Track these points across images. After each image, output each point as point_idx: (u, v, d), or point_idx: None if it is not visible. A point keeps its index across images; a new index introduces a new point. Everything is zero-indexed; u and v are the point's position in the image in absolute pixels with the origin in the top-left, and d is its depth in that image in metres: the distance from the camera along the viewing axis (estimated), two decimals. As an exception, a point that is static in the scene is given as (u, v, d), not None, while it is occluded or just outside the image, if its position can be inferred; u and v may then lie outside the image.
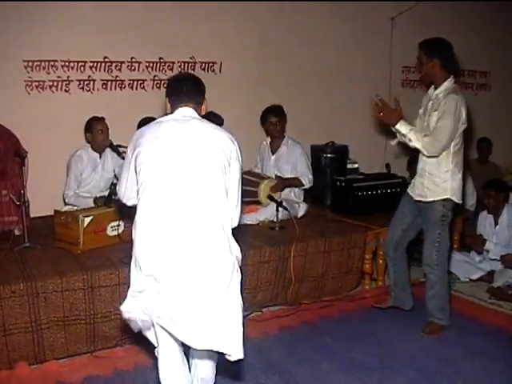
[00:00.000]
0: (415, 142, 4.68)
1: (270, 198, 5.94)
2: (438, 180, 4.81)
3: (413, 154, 5.64)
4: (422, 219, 5.01)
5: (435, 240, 4.88)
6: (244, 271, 4.94)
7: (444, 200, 4.83)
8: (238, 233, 5.69)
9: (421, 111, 5.06)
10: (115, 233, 5.20)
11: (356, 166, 7.05)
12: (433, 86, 4.93)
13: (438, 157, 4.75)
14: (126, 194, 3.41)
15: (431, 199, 4.86)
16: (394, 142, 5.10)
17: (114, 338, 4.60)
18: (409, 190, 5.13)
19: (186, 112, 3.36)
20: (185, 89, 3.41)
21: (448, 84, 4.79)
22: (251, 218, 6.00)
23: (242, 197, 3.43)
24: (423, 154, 4.81)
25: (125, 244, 5.06)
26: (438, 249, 4.89)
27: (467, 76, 9.56)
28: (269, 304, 5.36)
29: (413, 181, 5.09)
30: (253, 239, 5.42)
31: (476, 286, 6.18)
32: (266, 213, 6.02)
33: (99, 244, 5.07)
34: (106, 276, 4.50)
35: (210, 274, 3.09)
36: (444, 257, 4.96)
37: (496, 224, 6.37)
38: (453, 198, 4.84)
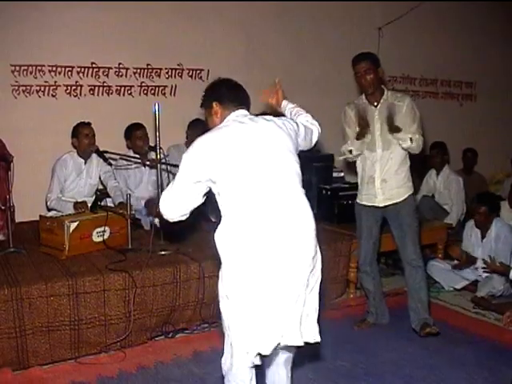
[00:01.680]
0: (415, 143, 4.81)
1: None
2: (404, 178, 4.97)
3: None
4: (397, 219, 5.00)
5: (416, 232, 5.00)
6: (211, 281, 5.00)
7: (413, 194, 5.07)
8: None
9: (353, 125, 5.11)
10: (101, 239, 5.19)
11: (342, 174, 7.06)
12: (363, 98, 5.06)
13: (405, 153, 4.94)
14: (178, 210, 3.28)
15: (403, 197, 4.94)
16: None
17: (98, 344, 4.58)
18: (367, 202, 5.09)
19: (245, 112, 3.39)
20: (241, 94, 3.46)
21: (391, 92, 5.05)
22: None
23: None
24: (412, 153, 4.91)
25: (110, 250, 5.11)
26: (416, 241, 5.01)
27: (453, 86, 9.66)
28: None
29: (368, 190, 5.06)
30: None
31: (460, 296, 6.20)
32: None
33: (85, 250, 5.06)
34: (91, 282, 4.48)
35: (311, 268, 3.13)
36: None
37: (483, 237, 6.34)
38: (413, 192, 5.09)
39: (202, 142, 3.18)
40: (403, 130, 4.76)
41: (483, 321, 5.57)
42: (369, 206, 5.08)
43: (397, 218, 5.02)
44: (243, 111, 3.38)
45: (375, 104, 4.93)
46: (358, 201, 5.20)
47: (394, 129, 4.76)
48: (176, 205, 3.26)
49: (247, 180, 3.08)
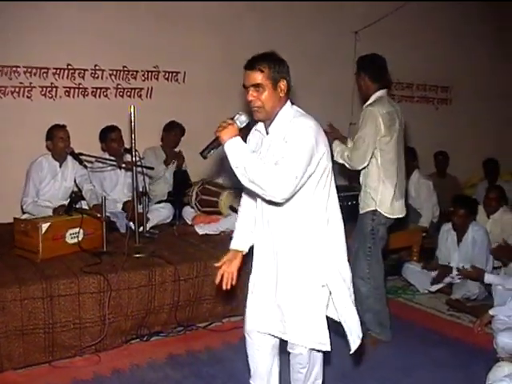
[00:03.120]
0: (339, 159, 4.83)
1: (231, 208, 5.96)
2: (369, 191, 4.84)
3: None
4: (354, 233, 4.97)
5: (366, 253, 4.87)
6: (205, 281, 5.00)
7: (372, 212, 4.82)
8: (200, 243, 5.74)
9: None
10: (75, 240, 5.14)
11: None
12: None
13: (365, 169, 4.83)
14: (298, 186, 3.06)
15: (363, 211, 4.89)
16: None
17: (73, 347, 4.55)
18: None
19: None
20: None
21: (373, 97, 4.87)
22: (212, 228, 6.03)
23: None
24: (350, 167, 4.85)
25: (85, 253, 5.08)
26: (369, 263, 4.87)
27: (429, 90, 9.74)
28: (229, 314, 5.35)
29: None
30: (214, 249, 5.43)
31: (435, 298, 6.25)
32: (228, 223, 6.01)
33: (59, 252, 5.01)
34: (66, 285, 4.45)
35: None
36: (377, 271, 4.92)
37: (459, 241, 6.35)
38: (380, 210, 4.80)
39: (316, 130, 3.14)
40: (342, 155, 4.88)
41: (458, 323, 5.63)
42: None
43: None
44: None
45: None
46: None
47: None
48: (299, 182, 3.08)
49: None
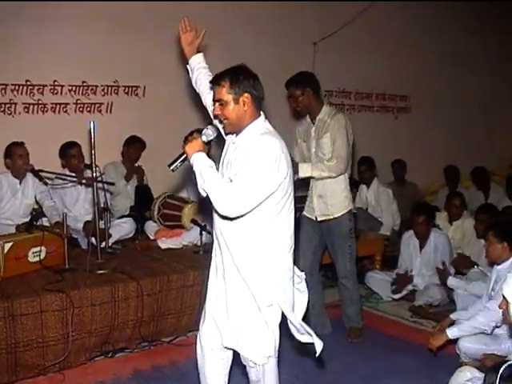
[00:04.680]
0: (322, 174, 4.92)
1: (194, 221, 5.97)
2: (340, 196, 5.08)
3: None
4: (329, 237, 5.19)
5: (347, 252, 5.16)
6: (168, 295, 4.99)
7: (349, 212, 5.12)
8: (163, 257, 5.73)
9: (300, 140, 5.24)
10: (37, 259, 5.10)
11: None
12: (308, 116, 5.16)
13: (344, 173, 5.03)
14: (249, 206, 3.09)
15: (338, 215, 5.08)
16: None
17: (36, 366, 4.50)
18: (307, 214, 5.28)
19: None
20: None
21: (327, 108, 5.10)
22: (175, 242, 6.04)
23: None
24: (331, 177, 4.97)
25: (47, 270, 5.04)
26: (350, 260, 5.19)
27: (388, 100, 9.83)
28: (194, 328, 5.34)
29: (309, 203, 5.24)
30: (177, 263, 5.43)
31: (398, 305, 6.29)
32: (190, 237, 6.04)
33: (21, 270, 4.96)
34: (28, 304, 4.41)
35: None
36: (354, 265, 5.29)
37: (422, 247, 6.42)
38: (352, 208, 5.17)
39: (278, 149, 3.14)
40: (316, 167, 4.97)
41: (421, 329, 5.66)
42: (309, 218, 5.24)
43: (329, 235, 5.20)
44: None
45: (313, 121, 5.12)
46: (303, 212, 5.32)
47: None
48: (254, 201, 3.10)
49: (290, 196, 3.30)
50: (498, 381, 2.64)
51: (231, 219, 3.17)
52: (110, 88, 7.08)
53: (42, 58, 6.57)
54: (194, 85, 3.95)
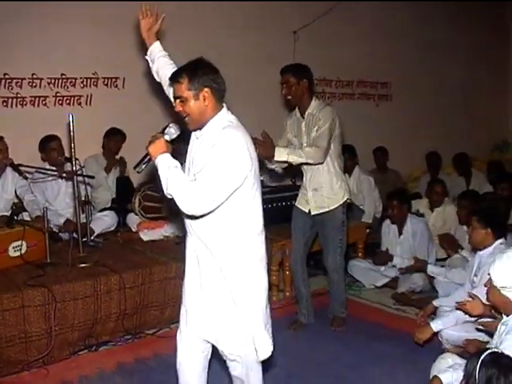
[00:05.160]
0: (299, 160, 4.84)
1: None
2: (335, 187, 5.11)
3: None
4: (322, 229, 5.22)
5: (338, 246, 5.20)
6: (151, 288, 4.99)
7: (343, 205, 5.16)
8: (145, 249, 5.72)
9: (290, 135, 5.24)
10: (18, 253, 5.07)
11: (261, 178, 7.08)
12: (297, 109, 5.16)
13: (322, 163, 4.99)
14: (215, 204, 3.08)
15: (334, 206, 5.11)
16: (272, 166, 5.09)
17: (19, 362, 4.49)
18: (300, 206, 5.29)
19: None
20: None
21: (316, 102, 5.10)
22: (157, 234, 6.03)
23: None
24: (310, 164, 4.97)
25: (28, 265, 5.01)
26: (340, 253, 5.24)
27: (369, 87, 9.83)
28: (177, 320, 5.31)
29: (302, 196, 5.27)
30: (159, 255, 5.44)
31: (381, 293, 6.32)
32: (172, 228, 6.02)
33: (1, 266, 4.93)
34: (10, 299, 4.39)
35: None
36: (343, 258, 5.34)
37: (400, 234, 6.47)
38: (348, 197, 5.21)
39: (242, 142, 3.13)
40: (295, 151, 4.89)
41: (404, 316, 5.71)
42: (302, 210, 5.27)
43: (322, 227, 5.22)
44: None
45: (302, 115, 5.12)
46: (295, 203, 5.37)
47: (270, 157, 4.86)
48: (217, 198, 3.08)
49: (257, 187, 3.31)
50: (478, 367, 2.65)
51: (198, 217, 3.17)
52: (89, 80, 7.03)
53: (19, 51, 6.51)
54: (154, 74, 3.93)
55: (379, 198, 7.63)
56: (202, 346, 3.50)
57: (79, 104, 6.97)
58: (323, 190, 5.10)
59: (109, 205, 6.70)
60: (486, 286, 3.44)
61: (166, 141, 3.19)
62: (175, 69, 3.49)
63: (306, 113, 5.05)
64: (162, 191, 3.11)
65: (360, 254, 6.81)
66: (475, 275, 4.79)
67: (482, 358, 2.67)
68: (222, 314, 3.29)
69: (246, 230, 3.25)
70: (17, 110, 6.61)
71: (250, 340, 3.31)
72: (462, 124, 10.63)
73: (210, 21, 7.85)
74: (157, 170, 3.13)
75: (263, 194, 6.24)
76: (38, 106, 6.76)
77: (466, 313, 4.11)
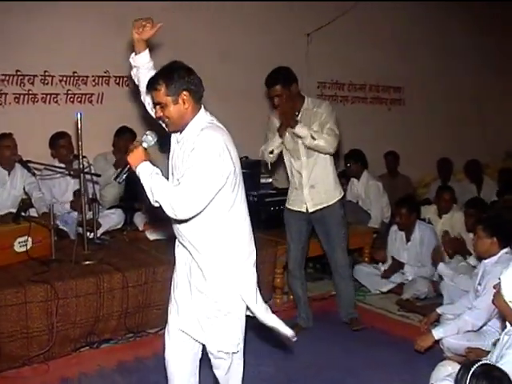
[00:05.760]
0: (314, 142, 4.87)
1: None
2: (331, 183, 5.13)
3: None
4: (323, 226, 5.18)
5: (342, 240, 5.21)
6: (154, 287, 5.00)
7: (341, 199, 5.22)
8: (151, 248, 5.74)
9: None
10: (23, 249, 5.10)
11: (270, 180, 7.11)
12: None
13: (332, 154, 5.06)
14: (201, 206, 3.12)
15: (332, 202, 5.11)
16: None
17: (20, 357, 4.52)
18: (294, 207, 5.23)
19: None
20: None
21: (309, 98, 5.13)
22: (163, 233, 6.02)
23: None
24: (324, 152, 4.98)
25: (33, 261, 5.05)
26: (344, 248, 5.25)
27: (381, 91, 9.80)
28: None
29: (296, 196, 5.20)
30: (164, 255, 5.40)
31: (386, 298, 6.30)
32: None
33: (7, 261, 4.97)
34: (12, 294, 4.43)
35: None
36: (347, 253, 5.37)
37: (408, 240, 6.45)
38: (343, 194, 5.32)
39: (221, 143, 3.15)
40: (317, 132, 4.88)
41: (407, 323, 5.69)
42: (296, 211, 5.20)
43: (323, 224, 5.18)
44: None
45: (296, 113, 5.00)
46: (286, 205, 5.32)
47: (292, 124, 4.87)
48: (202, 202, 3.12)
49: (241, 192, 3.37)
50: (469, 379, 2.64)
51: (185, 220, 3.19)
52: (100, 78, 7.06)
53: (32, 48, 6.54)
54: (133, 77, 3.92)
55: (387, 203, 7.58)
56: (191, 343, 3.53)
57: (90, 102, 7.00)
58: (319, 186, 5.07)
59: (117, 203, 6.72)
60: (494, 288, 3.41)
61: (145, 148, 3.23)
62: None
63: (302, 109, 5.03)
64: (148, 200, 3.14)
65: (366, 259, 6.78)
66: (479, 284, 4.76)
67: (473, 369, 2.67)
68: (208, 315, 3.33)
69: (233, 227, 3.28)
70: (28, 107, 6.66)
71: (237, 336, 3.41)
72: (474, 130, 10.55)
73: (223, 22, 7.85)
74: (139, 179, 3.17)
75: (269, 196, 6.37)
76: (50, 103, 6.79)
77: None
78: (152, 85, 3.20)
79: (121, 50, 6.97)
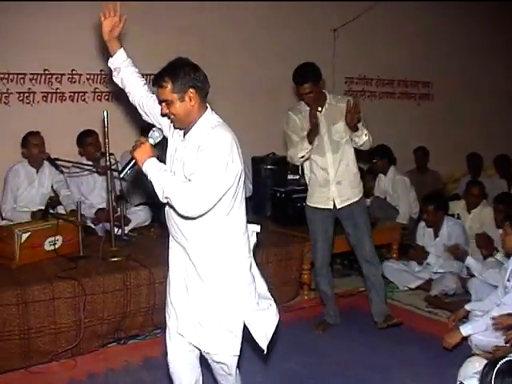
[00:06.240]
0: (367, 141, 4.93)
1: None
2: (357, 178, 5.15)
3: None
4: (353, 219, 5.12)
5: (369, 229, 5.21)
6: (161, 287, 4.99)
7: (364, 195, 5.29)
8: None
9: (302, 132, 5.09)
10: (52, 247, 5.17)
11: (297, 176, 7.09)
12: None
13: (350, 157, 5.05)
14: (211, 203, 3.09)
15: (359, 197, 5.12)
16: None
17: (48, 352, 4.57)
18: (319, 204, 5.16)
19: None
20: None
21: (329, 93, 5.09)
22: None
23: None
24: (366, 148, 5.04)
25: (61, 258, 5.11)
26: (371, 236, 5.21)
27: (410, 86, 9.75)
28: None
29: (321, 194, 5.13)
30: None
31: (414, 295, 6.25)
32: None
33: (36, 258, 5.03)
34: (40, 291, 4.48)
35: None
36: None
37: (436, 236, 6.40)
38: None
39: (231, 142, 3.12)
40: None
41: (435, 319, 5.65)
42: (322, 209, 5.13)
43: (352, 217, 5.12)
44: None
45: (319, 109, 4.97)
46: (309, 204, 5.24)
47: (354, 126, 4.82)
48: (213, 202, 3.10)
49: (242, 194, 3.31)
50: (494, 376, 2.60)
51: (191, 218, 3.15)
52: (128, 76, 7.07)
53: (60, 47, 6.60)
54: (117, 81, 3.77)
55: (415, 198, 7.53)
56: (192, 346, 3.51)
57: (117, 100, 7.02)
58: (346, 182, 5.03)
59: (144, 200, 6.75)
60: None
61: (151, 145, 3.21)
62: (141, 77, 3.58)
63: (326, 104, 5.00)
64: (157, 196, 3.12)
65: (394, 255, 6.72)
66: (508, 280, 4.69)
67: (498, 365, 2.62)
68: (206, 317, 3.30)
69: (232, 230, 3.26)
70: (56, 105, 6.74)
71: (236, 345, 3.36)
72: (504, 125, 10.46)
73: (249, 19, 7.86)
74: (144, 175, 3.14)
75: (296, 192, 6.34)
76: (77, 101, 6.87)
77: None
78: (158, 82, 3.13)
79: (147, 47, 7.06)
